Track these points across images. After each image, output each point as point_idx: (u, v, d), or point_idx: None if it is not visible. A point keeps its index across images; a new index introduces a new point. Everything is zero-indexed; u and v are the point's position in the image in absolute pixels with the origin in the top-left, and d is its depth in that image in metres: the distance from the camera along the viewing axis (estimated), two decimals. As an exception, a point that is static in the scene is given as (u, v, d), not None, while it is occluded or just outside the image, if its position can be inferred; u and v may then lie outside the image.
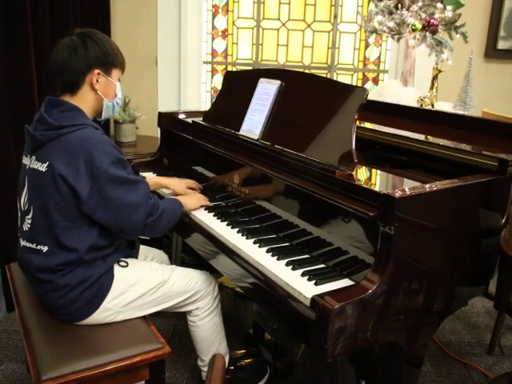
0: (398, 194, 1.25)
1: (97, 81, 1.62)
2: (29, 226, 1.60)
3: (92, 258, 1.60)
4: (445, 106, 2.54)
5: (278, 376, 2.12)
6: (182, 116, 2.50)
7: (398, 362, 1.53)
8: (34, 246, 1.59)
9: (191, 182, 2.08)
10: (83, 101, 1.63)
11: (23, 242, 1.63)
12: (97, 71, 1.61)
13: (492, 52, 3.47)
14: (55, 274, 1.57)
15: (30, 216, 1.60)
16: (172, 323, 2.57)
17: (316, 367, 2.28)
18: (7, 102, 2.42)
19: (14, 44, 2.42)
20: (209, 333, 1.90)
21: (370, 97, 1.77)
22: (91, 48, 1.60)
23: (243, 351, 2.17)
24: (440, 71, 2.53)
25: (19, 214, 1.66)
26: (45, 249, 1.57)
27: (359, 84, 3.79)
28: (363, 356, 1.69)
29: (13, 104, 2.45)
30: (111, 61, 1.64)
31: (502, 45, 3.44)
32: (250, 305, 2.55)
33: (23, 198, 1.63)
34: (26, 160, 1.64)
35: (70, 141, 1.52)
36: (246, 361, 2.11)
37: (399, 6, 2.66)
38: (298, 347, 2.20)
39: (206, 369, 1.95)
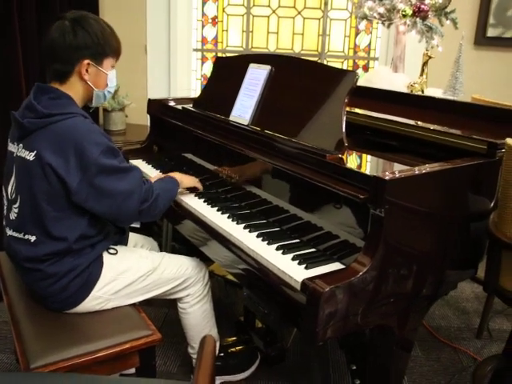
0: (387, 176, 1.25)
1: (86, 71, 1.58)
2: (16, 215, 1.58)
3: (81, 247, 1.59)
4: (435, 91, 2.54)
5: (269, 362, 2.13)
6: (171, 103, 2.48)
7: (389, 346, 1.54)
8: (21, 235, 1.57)
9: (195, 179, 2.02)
10: (72, 89, 1.59)
11: (10, 232, 1.61)
12: (86, 62, 1.57)
13: (482, 39, 3.46)
14: (43, 263, 1.55)
15: (17, 205, 1.57)
16: (163, 311, 2.57)
17: (307, 353, 2.29)
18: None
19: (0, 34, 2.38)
20: (199, 320, 1.90)
21: (361, 83, 1.77)
22: (81, 36, 1.55)
23: (234, 338, 2.17)
24: (430, 57, 2.52)
25: (5, 203, 1.64)
26: (33, 238, 1.55)
27: (349, 71, 3.77)
28: (354, 341, 1.70)
29: (0, 93, 2.41)
30: (102, 51, 1.60)
31: (491, 32, 3.44)
32: (240, 292, 2.55)
33: (10, 187, 1.60)
34: (12, 147, 1.61)
35: (59, 130, 1.49)
36: (237, 348, 2.11)
37: (389, -9, 2.65)
38: (289, 333, 2.21)
39: (196, 356, 1.95)
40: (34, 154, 1.51)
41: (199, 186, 1.93)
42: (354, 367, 1.69)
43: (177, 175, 1.84)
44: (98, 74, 1.63)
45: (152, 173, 2.17)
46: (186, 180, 1.87)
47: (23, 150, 1.54)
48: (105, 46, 1.60)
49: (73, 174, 1.48)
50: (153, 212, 1.65)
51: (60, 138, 1.49)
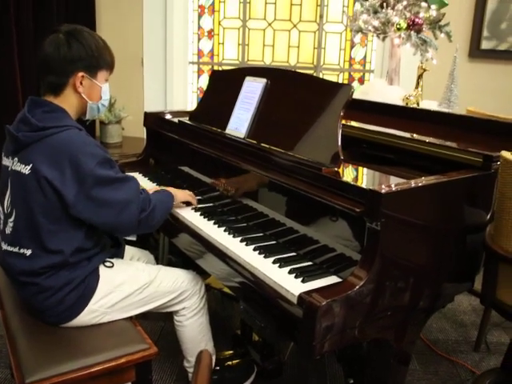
0: (383, 189, 1.25)
1: (81, 83, 1.58)
2: (11, 229, 1.57)
3: (77, 260, 1.58)
4: (430, 104, 2.56)
5: (266, 376, 2.11)
6: (168, 116, 2.48)
7: (386, 359, 1.53)
8: (16, 249, 1.56)
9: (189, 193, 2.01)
10: (67, 102, 1.59)
11: (5, 246, 1.60)
12: (81, 74, 1.57)
13: (476, 52, 3.50)
14: (39, 276, 1.54)
15: (12, 219, 1.56)
16: (159, 325, 2.55)
17: (304, 367, 2.27)
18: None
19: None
20: (195, 333, 1.89)
21: (356, 96, 1.77)
22: (75, 49, 1.55)
23: (231, 352, 2.15)
24: (425, 70, 2.54)
25: (1, 217, 1.63)
26: (28, 252, 1.54)
27: (345, 84, 3.80)
28: (351, 354, 1.69)
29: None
30: (96, 63, 1.60)
31: (485, 45, 3.48)
32: (237, 306, 2.53)
33: (6, 201, 1.60)
34: (7, 161, 1.60)
35: (54, 143, 1.49)
36: (234, 361, 2.10)
37: (384, 5, 2.68)
38: (286, 347, 2.20)
39: (192, 370, 1.93)
40: (29, 167, 1.50)
41: (193, 200, 1.92)
42: (352, 381, 1.67)
43: (171, 189, 1.84)
44: (92, 87, 1.63)
45: (148, 186, 2.17)
46: (179, 194, 1.87)
47: (18, 164, 1.54)
48: (99, 59, 1.61)
49: (69, 187, 1.47)
50: (151, 222, 1.65)
51: (55, 150, 1.49)
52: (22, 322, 1.63)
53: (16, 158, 1.55)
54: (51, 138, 1.50)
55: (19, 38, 2.50)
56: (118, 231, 1.64)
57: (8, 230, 1.58)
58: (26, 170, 1.51)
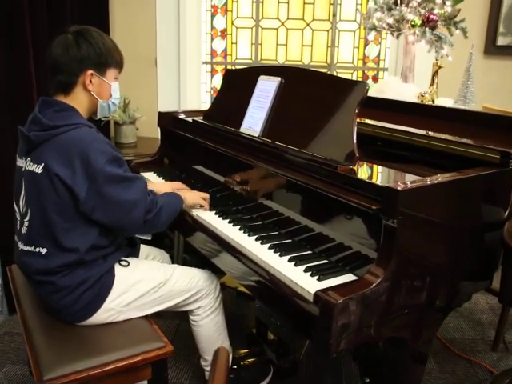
0: (400, 186, 1.24)
1: (90, 81, 1.60)
2: (26, 228, 1.59)
3: (92, 258, 1.59)
4: (445, 101, 2.53)
5: (282, 375, 2.11)
6: (182, 116, 2.49)
7: (403, 358, 1.52)
8: (32, 248, 1.58)
9: (176, 184, 2.03)
10: (77, 101, 1.61)
11: (21, 246, 1.62)
12: (90, 72, 1.59)
13: (492, 48, 3.45)
14: (55, 275, 1.56)
15: (27, 218, 1.58)
16: (175, 324, 2.56)
17: (319, 365, 2.27)
18: (6, 103, 2.41)
19: (12, 45, 2.41)
20: (211, 332, 1.89)
21: (371, 94, 1.76)
22: (84, 48, 1.57)
23: (246, 350, 2.15)
24: (440, 67, 2.51)
25: (18, 218, 1.65)
26: (44, 251, 1.56)
27: (359, 82, 3.78)
28: (367, 353, 1.68)
29: (11, 105, 2.44)
30: (105, 61, 1.62)
31: (501, 41, 3.43)
32: (252, 304, 2.53)
33: (21, 201, 1.62)
34: (21, 162, 1.63)
35: (65, 141, 1.51)
36: (250, 360, 2.10)
37: (398, 2, 2.66)
38: (301, 345, 2.19)
39: (209, 368, 1.94)
40: (41, 166, 1.52)
41: (204, 203, 1.88)
42: (368, 380, 1.66)
43: (181, 193, 1.84)
44: (102, 85, 1.64)
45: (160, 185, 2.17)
46: (190, 199, 1.85)
47: (31, 164, 1.56)
48: (107, 57, 1.63)
49: (80, 184, 1.49)
50: (156, 223, 1.65)
51: (66, 148, 1.50)
52: (39, 321, 1.65)
53: (29, 158, 1.57)
54: (62, 136, 1.52)
55: (34, 40, 2.52)
56: (124, 230, 1.65)
57: (24, 230, 1.60)
58: (38, 169, 1.53)
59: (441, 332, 2.55)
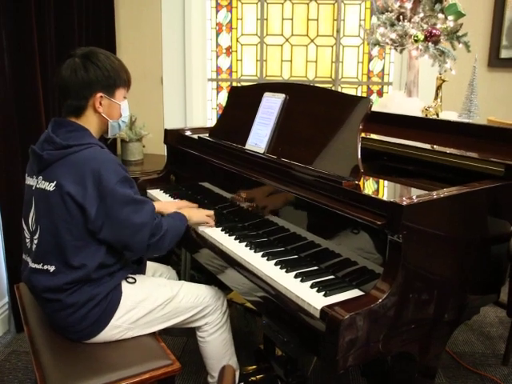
0: (405, 201, 1.24)
1: (100, 104, 1.63)
2: (35, 246, 1.60)
3: (99, 276, 1.60)
4: (450, 115, 2.54)
5: (290, 391, 2.09)
6: (188, 132, 2.51)
7: (411, 373, 1.51)
8: (40, 266, 1.59)
9: (181, 202, 2.06)
10: (88, 122, 1.64)
11: (30, 263, 1.63)
12: (99, 95, 1.62)
13: (495, 61, 3.47)
14: (63, 293, 1.57)
15: (36, 236, 1.60)
16: (182, 341, 2.55)
17: (328, 381, 2.25)
18: (15, 123, 2.44)
19: (19, 66, 2.45)
20: (218, 348, 1.89)
21: (375, 108, 1.78)
22: (92, 71, 1.60)
23: (254, 367, 2.14)
24: (444, 81, 2.53)
25: (27, 236, 1.66)
26: (52, 268, 1.57)
27: (364, 97, 3.80)
28: (376, 368, 1.67)
29: (20, 125, 2.47)
30: (113, 82, 1.64)
31: (504, 54, 3.44)
32: (260, 320, 2.53)
33: (30, 220, 1.64)
34: (31, 181, 1.65)
35: (78, 160, 1.54)
36: (258, 376, 2.08)
37: (401, 17, 2.68)
38: (310, 361, 2.18)
39: (216, 385, 1.93)
40: (54, 184, 1.54)
41: (209, 220, 1.89)
42: (377, 396, 1.65)
43: (186, 211, 1.85)
44: (112, 106, 1.67)
45: (164, 199, 2.19)
46: (195, 217, 1.87)
47: (43, 182, 1.58)
48: (115, 78, 1.65)
49: (91, 202, 1.51)
50: (160, 247, 1.67)
51: (78, 167, 1.52)
52: (46, 339, 1.65)
53: (40, 177, 1.59)
54: (75, 155, 1.54)
55: (41, 60, 2.56)
56: (129, 251, 1.65)
57: (32, 248, 1.61)
58: (50, 186, 1.55)
59: (450, 346, 2.53)
